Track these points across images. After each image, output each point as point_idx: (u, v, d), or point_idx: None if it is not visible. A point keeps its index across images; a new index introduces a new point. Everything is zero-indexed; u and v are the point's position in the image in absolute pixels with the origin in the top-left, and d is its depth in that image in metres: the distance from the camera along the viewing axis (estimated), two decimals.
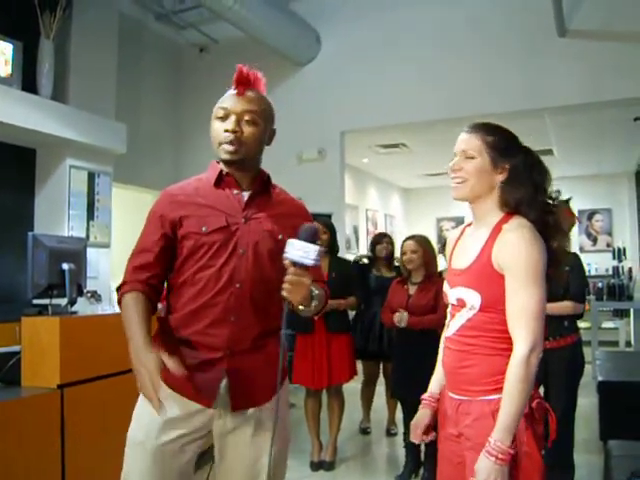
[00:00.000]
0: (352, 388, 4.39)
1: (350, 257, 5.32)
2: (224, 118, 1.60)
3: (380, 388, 4.60)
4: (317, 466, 3.78)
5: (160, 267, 1.61)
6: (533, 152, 1.60)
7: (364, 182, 9.89)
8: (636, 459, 2.43)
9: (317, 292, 1.56)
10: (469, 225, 1.70)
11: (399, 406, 3.88)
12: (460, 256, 1.64)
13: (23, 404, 2.34)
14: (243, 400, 1.61)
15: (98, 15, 5.34)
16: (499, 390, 1.47)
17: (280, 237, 1.60)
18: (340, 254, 4.09)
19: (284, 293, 1.45)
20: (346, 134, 6.40)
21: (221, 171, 1.64)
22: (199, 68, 6.84)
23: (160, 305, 1.69)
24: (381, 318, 3.73)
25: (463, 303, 1.56)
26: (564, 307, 3.00)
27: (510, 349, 1.47)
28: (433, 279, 3.47)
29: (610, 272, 8.34)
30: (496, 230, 1.53)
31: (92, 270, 4.40)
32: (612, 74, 5.16)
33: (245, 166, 1.64)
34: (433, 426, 1.72)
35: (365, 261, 4.68)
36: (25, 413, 2.30)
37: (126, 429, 1.65)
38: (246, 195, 1.64)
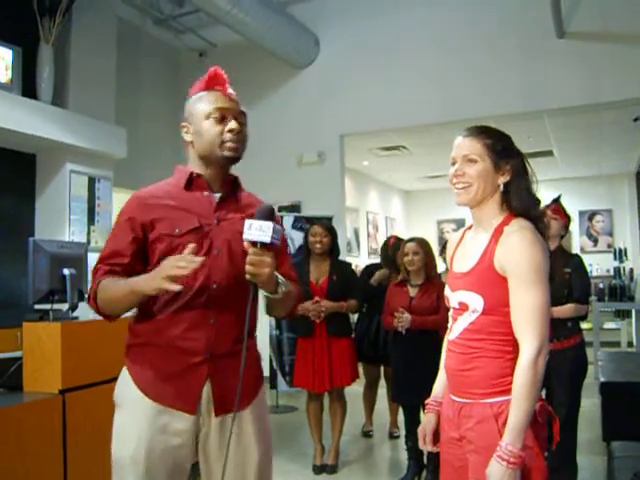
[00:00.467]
0: (354, 391, 4.39)
1: (350, 260, 5.31)
2: (220, 118, 1.62)
3: (382, 391, 4.60)
4: (320, 470, 3.77)
5: (134, 271, 1.57)
6: (523, 153, 1.61)
7: (364, 185, 9.90)
8: (639, 460, 2.42)
9: (282, 279, 1.55)
10: (469, 228, 1.69)
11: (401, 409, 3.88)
12: (461, 259, 1.64)
13: (25, 409, 2.33)
14: (226, 404, 1.57)
15: (97, 20, 5.37)
16: (502, 393, 1.46)
17: None
18: (341, 257, 4.08)
19: (247, 276, 1.45)
20: (346, 137, 6.41)
21: (191, 173, 1.65)
22: (198, 72, 6.84)
23: (130, 312, 1.63)
24: (382, 321, 3.72)
25: (465, 306, 1.55)
26: (568, 310, 2.99)
27: (513, 351, 1.47)
28: (434, 281, 3.49)
29: (611, 273, 8.36)
30: (497, 232, 1.53)
31: None
32: (611, 75, 5.17)
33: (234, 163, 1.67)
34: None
35: (384, 271, 4.28)
36: (27, 418, 2.30)
37: None
38: (217, 197, 1.65)
